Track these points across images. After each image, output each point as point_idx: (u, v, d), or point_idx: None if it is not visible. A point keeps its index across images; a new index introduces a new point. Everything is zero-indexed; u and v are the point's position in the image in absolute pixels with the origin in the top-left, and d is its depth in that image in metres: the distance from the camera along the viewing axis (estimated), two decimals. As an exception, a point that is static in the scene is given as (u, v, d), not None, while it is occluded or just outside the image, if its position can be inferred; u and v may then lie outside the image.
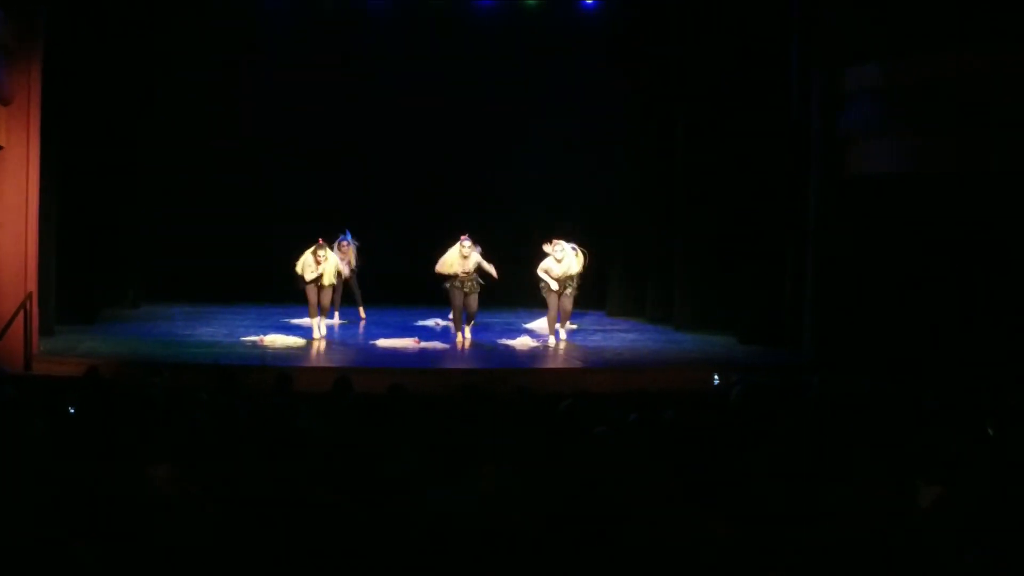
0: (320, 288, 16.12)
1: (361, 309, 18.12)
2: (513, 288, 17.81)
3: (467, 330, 16.18)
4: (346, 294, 17.82)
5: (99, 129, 17.39)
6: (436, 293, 16.53)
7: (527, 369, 14.47)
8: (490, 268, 16.04)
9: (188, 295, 19.40)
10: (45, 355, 14.13)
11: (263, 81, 19.99)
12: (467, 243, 15.88)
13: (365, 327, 17.59)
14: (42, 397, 9.67)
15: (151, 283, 19.58)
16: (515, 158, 20.40)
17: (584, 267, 16.49)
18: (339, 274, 16.67)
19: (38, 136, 14.27)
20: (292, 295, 16.72)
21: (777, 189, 16.28)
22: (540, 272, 16.08)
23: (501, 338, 16.52)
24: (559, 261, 15.98)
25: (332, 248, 16.93)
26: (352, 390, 10.22)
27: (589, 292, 17.75)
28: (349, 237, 17.69)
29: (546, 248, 16.23)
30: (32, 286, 14.23)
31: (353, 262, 17.72)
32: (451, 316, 16.37)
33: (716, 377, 11.80)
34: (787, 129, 16.01)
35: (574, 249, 16.41)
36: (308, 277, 16.02)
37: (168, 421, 8.20)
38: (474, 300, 16.03)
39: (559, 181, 20.31)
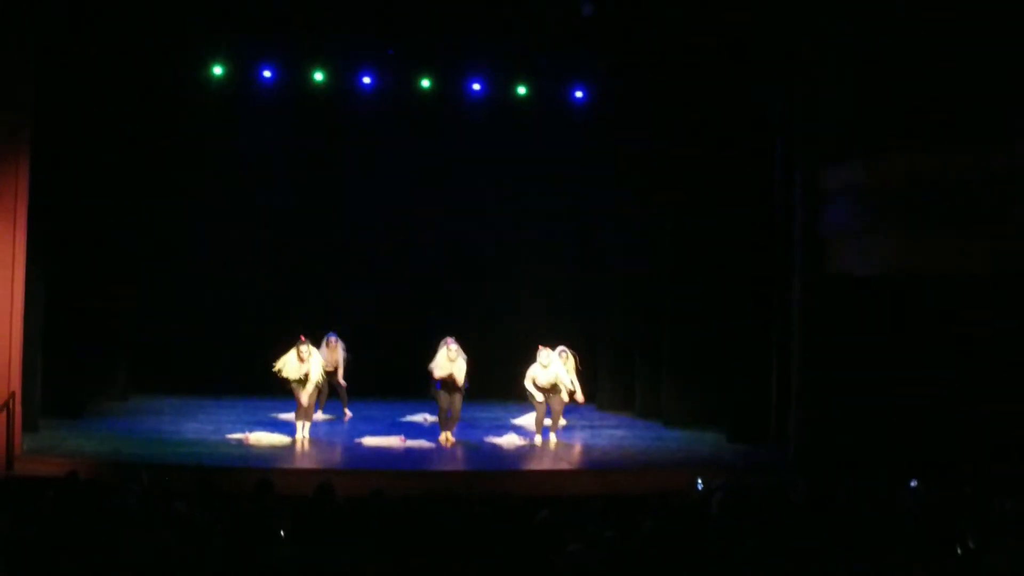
0: (307, 388, 15.91)
1: (347, 410, 17.97)
2: (502, 383, 17.77)
3: (449, 434, 16.03)
4: (331, 389, 17.71)
5: (87, 223, 17.44)
6: (424, 388, 16.41)
7: (511, 472, 14.37)
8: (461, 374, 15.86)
9: (177, 387, 19.33)
10: (28, 454, 14.05)
11: (250, 175, 20.03)
12: (453, 347, 15.78)
13: (351, 422, 17.48)
14: (16, 505, 9.61)
15: (140, 375, 19.47)
16: (504, 251, 20.49)
17: (576, 368, 16.49)
18: (324, 372, 16.55)
19: (24, 233, 14.29)
20: (279, 388, 16.60)
21: (762, 286, 16.31)
22: (527, 383, 15.98)
23: (488, 435, 16.41)
24: (545, 367, 15.90)
25: (320, 346, 16.90)
26: (333, 498, 10.15)
27: (579, 386, 17.66)
28: (335, 335, 17.61)
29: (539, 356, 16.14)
30: (16, 385, 14.17)
31: (340, 362, 17.57)
32: (439, 415, 16.24)
33: (700, 482, 11.73)
34: (771, 227, 16.08)
35: (563, 352, 16.38)
36: (292, 377, 15.86)
37: (139, 535, 8.16)
38: (458, 400, 15.91)
39: (548, 275, 20.37)
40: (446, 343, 15.80)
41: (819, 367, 15.14)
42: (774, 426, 15.85)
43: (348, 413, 17.83)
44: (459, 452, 15.52)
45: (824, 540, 8.87)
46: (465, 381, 15.84)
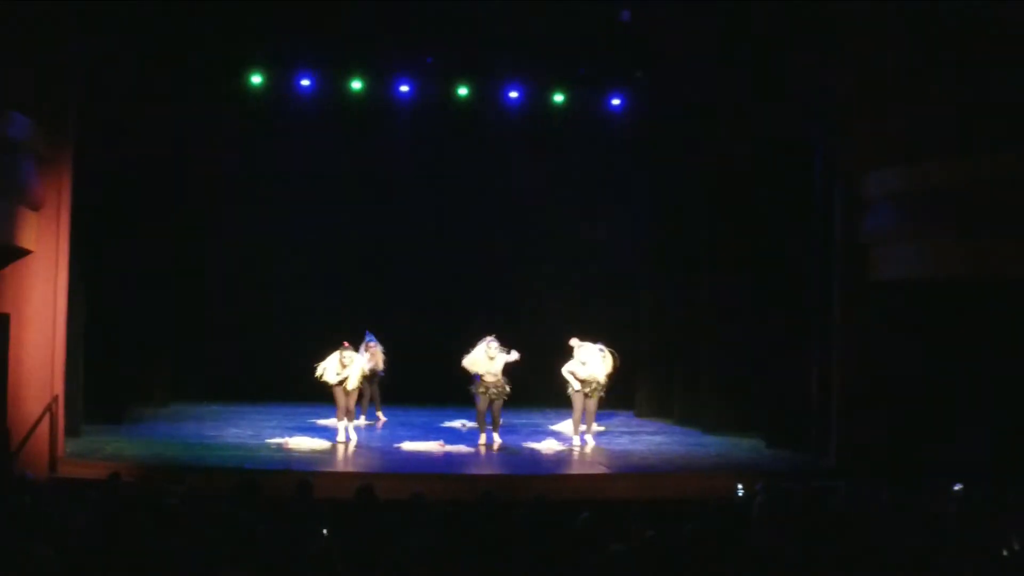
0: (347, 391, 16.06)
1: (380, 413, 18.04)
2: (540, 388, 17.78)
3: (495, 435, 16.03)
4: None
5: (128, 230, 17.56)
6: (462, 393, 16.44)
7: (550, 475, 14.37)
8: (513, 356, 15.85)
9: (217, 394, 19.50)
10: (70, 457, 14.16)
11: (288, 182, 20.21)
12: (493, 344, 15.79)
13: (390, 427, 17.55)
14: (61, 506, 9.68)
15: (180, 381, 19.61)
16: (541, 258, 20.58)
17: (614, 368, 16.39)
18: (364, 376, 16.66)
19: (67, 241, 14.44)
20: (318, 394, 16.70)
21: (802, 292, 16.27)
22: (565, 372, 15.97)
23: (527, 440, 16.41)
24: (584, 364, 15.88)
25: (359, 350, 16.97)
26: (375, 499, 10.18)
27: (618, 393, 17.62)
28: (374, 338, 17.70)
29: (572, 343, 16.10)
30: (58, 389, 14.32)
31: (380, 364, 17.69)
32: (477, 418, 16.25)
33: (740, 488, 11.67)
34: (810, 233, 16.02)
35: (602, 351, 16.32)
36: (332, 381, 15.98)
37: (184, 535, 8.22)
38: (499, 406, 15.91)
39: (586, 282, 20.42)
40: (486, 341, 15.80)
41: (859, 372, 15.06)
42: (814, 432, 15.76)
43: (382, 417, 17.91)
44: (498, 457, 15.51)
45: (865, 545, 8.83)
46: (505, 384, 15.84)
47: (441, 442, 15.97)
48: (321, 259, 20.43)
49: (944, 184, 13.86)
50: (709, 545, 8.06)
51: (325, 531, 8.59)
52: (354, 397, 16.27)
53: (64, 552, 7.68)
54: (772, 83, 16.55)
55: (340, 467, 14.68)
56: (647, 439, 17.24)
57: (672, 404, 19.19)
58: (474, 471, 14.66)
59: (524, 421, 18.07)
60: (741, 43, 16.66)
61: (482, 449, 15.80)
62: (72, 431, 15.12)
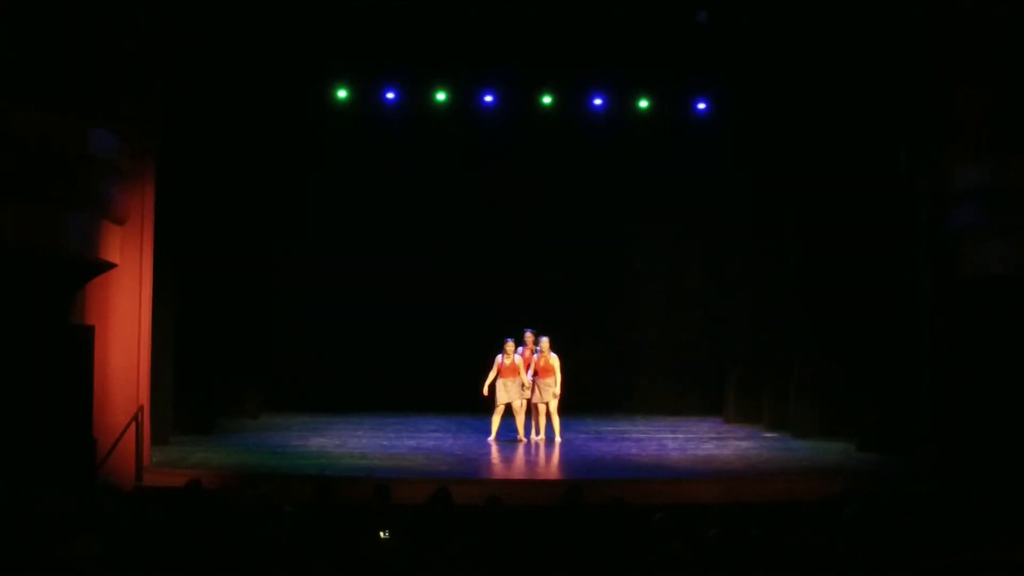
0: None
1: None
2: (624, 398, 17.65)
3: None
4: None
5: (219, 243, 17.83)
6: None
7: (630, 479, 14.13)
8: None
9: (308, 405, 19.64)
10: (156, 466, 14.34)
11: (375, 196, 20.30)
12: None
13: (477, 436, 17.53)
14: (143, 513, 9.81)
15: (272, 394, 19.81)
16: (630, 266, 20.59)
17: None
18: None
19: (151, 254, 14.64)
20: (410, 406, 16.79)
21: (890, 292, 15.93)
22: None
23: (611, 446, 16.29)
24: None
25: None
26: (450, 504, 10.15)
27: (706, 399, 17.41)
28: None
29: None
30: (144, 399, 14.51)
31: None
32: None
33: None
34: (898, 232, 15.69)
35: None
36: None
37: (244, 535, 8.29)
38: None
39: (675, 290, 20.29)
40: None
41: (950, 373, 14.66)
42: (906, 435, 15.40)
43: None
44: (576, 462, 15.36)
45: (958, 550, 8.60)
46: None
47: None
48: (413, 271, 20.40)
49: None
50: (774, 546, 7.90)
51: (382, 534, 8.57)
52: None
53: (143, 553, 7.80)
54: (856, 77, 16.24)
55: (418, 473, 14.60)
56: (734, 444, 17.02)
57: (762, 410, 18.89)
58: (551, 477, 14.55)
59: (612, 428, 17.97)
60: (822, 37, 16.35)
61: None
62: (160, 441, 15.35)
